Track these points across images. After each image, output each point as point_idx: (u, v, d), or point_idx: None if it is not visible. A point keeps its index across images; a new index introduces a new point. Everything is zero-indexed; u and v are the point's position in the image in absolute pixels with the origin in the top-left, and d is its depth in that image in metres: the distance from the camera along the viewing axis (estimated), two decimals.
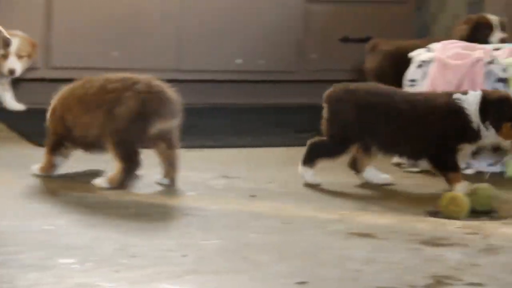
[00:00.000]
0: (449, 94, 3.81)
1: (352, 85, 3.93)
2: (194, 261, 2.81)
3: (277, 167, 4.18)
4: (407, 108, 3.77)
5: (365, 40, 5.51)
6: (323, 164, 4.25)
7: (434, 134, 3.74)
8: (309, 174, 3.83)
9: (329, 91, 3.88)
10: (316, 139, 3.87)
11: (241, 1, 5.54)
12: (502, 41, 4.79)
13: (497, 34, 4.83)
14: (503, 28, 4.86)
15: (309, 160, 3.84)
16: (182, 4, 5.47)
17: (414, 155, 3.81)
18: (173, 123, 3.70)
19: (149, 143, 3.70)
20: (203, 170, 4.04)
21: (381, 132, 3.78)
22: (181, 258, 2.84)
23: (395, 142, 3.79)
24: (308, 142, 3.88)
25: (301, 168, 3.84)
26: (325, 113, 3.85)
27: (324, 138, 3.84)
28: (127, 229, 3.13)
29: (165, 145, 3.71)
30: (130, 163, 3.65)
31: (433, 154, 3.74)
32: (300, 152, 4.37)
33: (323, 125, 3.85)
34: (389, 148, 3.82)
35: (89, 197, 3.53)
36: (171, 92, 3.70)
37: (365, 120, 3.77)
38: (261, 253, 2.91)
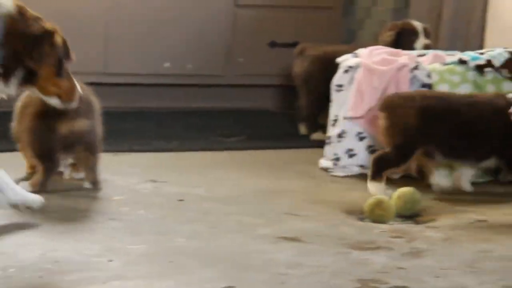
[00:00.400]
0: (502, 95, 3.89)
1: (408, 92, 3.96)
2: (120, 266, 2.78)
3: (204, 171, 4.17)
4: (468, 111, 3.80)
5: (293, 45, 5.55)
6: (247, 170, 4.26)
7: (501, 134, 3.78)
8: (380, 189, 3.78)
9: (386, 99, 3.88)
10: (379, 152, 3.83)
11: (169, 4, 5.52)
12: (426, 47, 4.86)
13: (421, 40, 4.91)
14: (427, 34, 4.94)
15: (377, 174, 3.80)
16: (110, 6, 5.42)
17: (479, 158, 3.84)
18: (85, 125, 3.64)
19: (67, 146, 3.63)
20: (130, 174, 4.01)
21: (445, 137, 3.80)
22: (107, 263, 2.81)
23: (459, 146, 3.82)
24: (372, 157, 3.84)
25: (370, 185, 3.80)
26: (384, 122, 3.83)
27: (386, 149, 3.82)
28: (51, 233, 3.08)
29: (83, 148, 3.66)
30: (47, 163, 3.61)
31: (507, 155, 3.79)
32: (228, 155, 4.38)
33: (383, 134, 3.83)
34: (453, 152, 3.83)
35: None
36: (83, 92, 3.61)
37: (428, 125, 3.79)
38: (188, 258, 2.89)
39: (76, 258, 2.82)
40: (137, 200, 3.59)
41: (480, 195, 3.93)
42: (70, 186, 3.73)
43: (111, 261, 2.82)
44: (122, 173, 4.01)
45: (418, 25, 4.94)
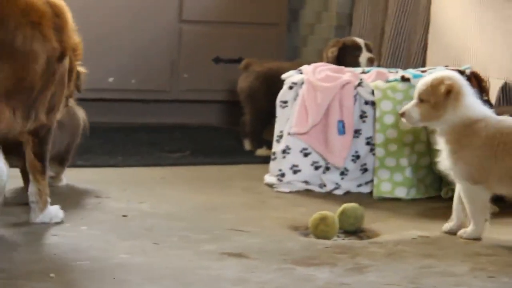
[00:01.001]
0: None
1: None
2: (63, 283, 2.75)
3: (149, 187, 4.15)
4: None
5: (237, 60, 5.57)
6: (192, 186, 4.26)
7: None
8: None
9: None
10: None
11: (114, 19, 5.50)
12: (370, 60, 4.92)
13: (364, 54, 4.96)
14: (369, 50, 5.00)
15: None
16: None
17: None
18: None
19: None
20: (73, 190, 3.97)
21: None
22: (49, 280, 2.78)
23: None
24: None
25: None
26: None
27: None
28: None
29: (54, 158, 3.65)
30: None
31: None
32: (172, 171, 4.37)
33: None
34: None
35: None
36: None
37: None
38: (131, 274, 2.88)
39: (16, 274, 2.79)
40: (80, 216, 3.56)
41: (422, 210, 3.98)
42: (12, 201, 3.68)
43: (53, 277, 2.79)
44: (65, 189, 3.98)
45: (360, 41, 5.00)
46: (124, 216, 3.61)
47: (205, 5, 5.69)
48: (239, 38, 5.77)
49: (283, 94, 4.36)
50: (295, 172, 4.25)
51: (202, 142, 5.21)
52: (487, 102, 4.30)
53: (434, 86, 3.41)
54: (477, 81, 4.35)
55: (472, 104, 3.43)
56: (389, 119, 4.20)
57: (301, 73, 4.42)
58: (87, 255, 3.05)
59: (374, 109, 4.24)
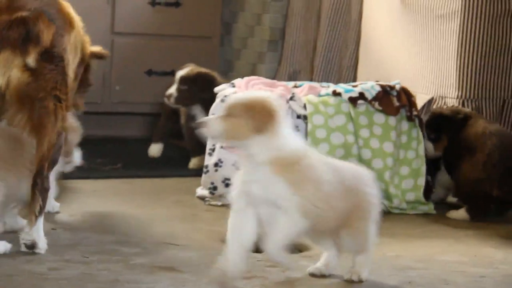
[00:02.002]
0: None
1: None
2: None
3: (79, 199, 4.11)
4: None
5: (171, 73, 5.56)
6: (124, 199, 4.23)
7: None
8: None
9: None
10: None
11: None
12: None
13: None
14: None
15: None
16: None
17: None
18: None
19: None
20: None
21: None
22: None
23: None
24: None
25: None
26: None
27: None
28: None
29: None
30: None
31: None
32: (104, 184, 4.33)
33: None
34: None
35: None
36: None
37: None
38: None
39: None
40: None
41: None
42: None
43: None
44: None
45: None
46: (53, 229, 3.56)
47: (138, 17, 5.67)
48: (172, 50, 5.76)
49: (215, 107, 4.36)
50: (227, 185, 4.24)
51: (134, 154, 5.18)
52: (417, 117, 4.38)
53: (250, 104, 2.99)
54: (406, 96, 4.42)
55: (288, 135, 3.04)
56: (321, 133, 4.24)
57: (234, 86, 4.42)
58: (15, 268, 3.01)
59: (306, 123, 4.27)
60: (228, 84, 4.48)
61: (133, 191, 4.38)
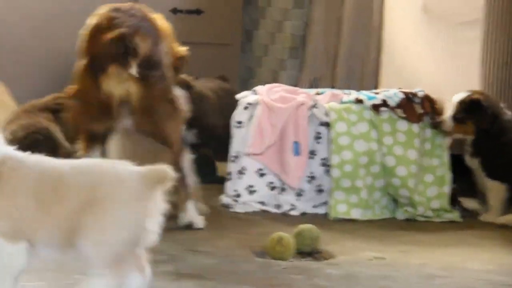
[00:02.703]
0: None
1: None
2: None
3: None
4: None
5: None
6: None
7: None
8: None
9: None
10: None
11: None
12: None
13: None
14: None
15: None
16: None
17: None
18: None
19: None
20: None
21: None
22: None
23: None
24: None
25: None
26: None
27: None
28: None
29: None
30: None
31: None
32: None
33: None
34: None
35: None
36: None
37: None
38: None
39: None
40: None
41: (377, 232, 4.00)
42: None
43: None
44: None
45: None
46: None
47: None
48: (193, 58, 5.74)
49: (238, 114, 4.36)
50: (250, 192, 4.25)
51: None
52: (442, 124, 4.35)
53: None
54: (429, 103, 4.41)
55: None
56: (344, 140, 4.23)
57: (256, 93, 4.42)
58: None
59: (329, 130, 4.27)
60: (249, 91, 4.48)
61: None
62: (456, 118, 4.30)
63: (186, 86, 4.57)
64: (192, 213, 3.85)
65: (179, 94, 3.99)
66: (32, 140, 4.16)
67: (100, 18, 3.72)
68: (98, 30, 3.70)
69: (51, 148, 4.13)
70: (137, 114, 3.73)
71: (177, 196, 3.75)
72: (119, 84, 3.68)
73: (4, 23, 5.30)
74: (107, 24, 3.68)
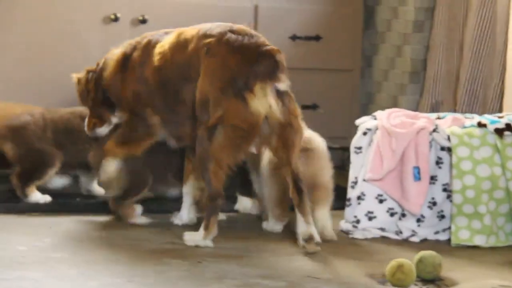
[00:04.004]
0: None
1: None
2: None
3: (221, 230, 4.14)
4: None
5: (311, 106, 5.59)
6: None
7: None
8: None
9: None
10: None
11: None
12: None
13: None
14: None
15: None
16: None
17: None
18: None
19: None
20: None
21: None
22: None
23: None
24: None
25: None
26: None
27: None
28: None
29: None
30: None
31: None
32: (246, 217, 4.34)
33: None
34: None
35: None
36: None
37: None
38: None
39: None
40: None
41: (502, 259, 3.89)
42: None
43: None
44: None
45: None
46: (199, 262, 3.60)
47: None
48: (313, 83, 5.77)
49: (358, 140, 4.34)
50: (370, 218, 4.21)
51: None
52: None
53: None
54: None
55: None
56: (467, 165, 4.14)
57: (375, 118, 4.39)
58: None
59: (450, 155, 4.19)
60: (368, 116, 4.45)
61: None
62: None
63: None
64: (313, 228, 3.78)
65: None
66: None
67: (222, 40, 3.69)
68: (226, 51, 3.66)
69: None
70: (276, 130, 3.70)
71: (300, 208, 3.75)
72: (266, 102, 3.64)
73: None
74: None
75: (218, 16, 5.49)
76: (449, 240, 4.14)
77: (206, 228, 3.78)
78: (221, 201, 3.75)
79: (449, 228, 4.16)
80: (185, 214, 4.18)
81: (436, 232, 4.20)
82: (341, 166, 5.80)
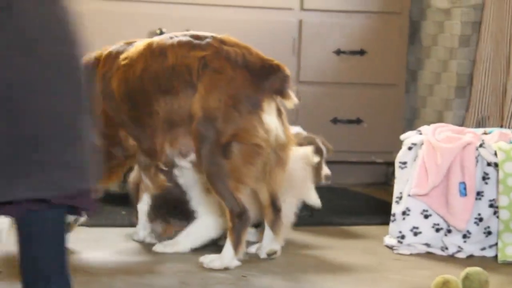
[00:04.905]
0: None
1: None
2: None
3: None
4: None
5: (355, 121, 5.56)
6: (313, 244, 4.22)
7: None
8: None
9: None
10: None
11: None
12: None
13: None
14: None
15: None
16: None
17: None
18: None
19: None
20: None
21: None
22: None
23: None
24: None
25: None
26: None
27: None
28: None
29: None
30: None
31: None
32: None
33: None
34: None
35: None
36: None
37: None
38: None
39: None
40: None
41: None
42: None
43: None
44: None
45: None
46: (243, 276, 3.60)
47: (323, 66, 5.71)
48: (357, 98, 5.76)
49: (403, 155, 4.30)
50: (415, 234, 4.17)
51: (323, 202, 5.09)
52: None
53: None
54: None
55: None
56: None
57: (421, 133, 4.36)
58: None
59: (497, 170, 4.14)
60: (414, 131, 4.42)
61: (320, 238, 4.36)
62: None
63: None
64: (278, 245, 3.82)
65: None
66: None
67: (222, 54, 3.56)
68: (231, 66, 3.53)
69: None
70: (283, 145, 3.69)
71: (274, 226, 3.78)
72: (274, 118, 3.63)
73: None
74: (214, 50, 3.57)
75: (262, 32, 5.52)
76: (495, 256, 4.09)
77: (236, 247, 3.62)
78: (248, 216, 3.62)
79: (496, 244, 4.11)
80: (141, 230, 4.00)
81: (483, 249, 4.14)
82: (385, 181, 5.78)
